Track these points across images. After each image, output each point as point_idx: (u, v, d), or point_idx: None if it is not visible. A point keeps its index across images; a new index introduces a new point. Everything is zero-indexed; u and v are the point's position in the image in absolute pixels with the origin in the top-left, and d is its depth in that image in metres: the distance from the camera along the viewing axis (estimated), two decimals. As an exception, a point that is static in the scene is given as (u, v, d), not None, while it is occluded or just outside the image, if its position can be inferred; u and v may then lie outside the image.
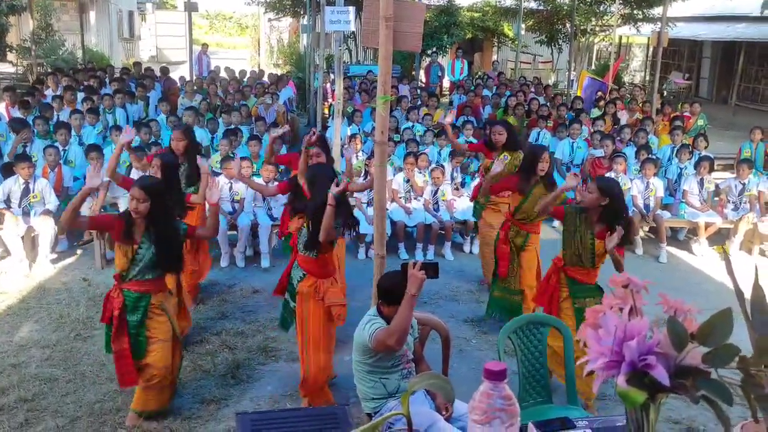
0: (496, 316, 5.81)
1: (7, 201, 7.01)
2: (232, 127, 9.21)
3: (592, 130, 9.75)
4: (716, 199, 8.37)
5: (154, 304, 4.16)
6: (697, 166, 8.26)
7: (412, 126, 10.20)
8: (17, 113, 9.57)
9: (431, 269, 3.33)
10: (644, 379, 1.08)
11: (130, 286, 4.12)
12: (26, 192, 7.03)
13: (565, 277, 4.69)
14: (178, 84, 13.97)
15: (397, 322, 3.35)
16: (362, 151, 8.83)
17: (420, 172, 7.94)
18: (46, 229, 6.93)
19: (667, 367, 1.07)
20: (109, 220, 4.34)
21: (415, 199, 7.82)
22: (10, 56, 18.60)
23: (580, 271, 4.63)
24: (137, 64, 16.61)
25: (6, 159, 8.10)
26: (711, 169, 8.27)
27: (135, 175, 7.16)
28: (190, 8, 14.63)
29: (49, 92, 11.64)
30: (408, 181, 7.81)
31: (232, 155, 8.08)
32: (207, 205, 4.68)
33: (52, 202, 7.14)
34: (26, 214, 7.00)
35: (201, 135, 8.93)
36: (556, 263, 4.77)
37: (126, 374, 4.14)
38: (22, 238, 6.93)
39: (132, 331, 4.11)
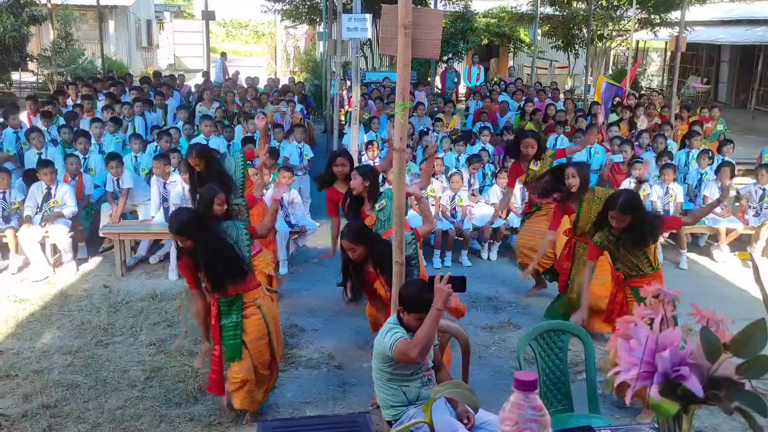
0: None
1: (33, 208, 7.12)
2: (249, 135, 9.26)
3: (609, 136, 9.69)
4: (737, 204, 8.28)
5: (246, 303, 4.26)
6: (718, 171, 8.17)
7: (428, 131, 10.20)
8: (38, 122, 9.70)
9: (458, 283, 3.31)
10: (677, 390, 1.07)
11: (219, 294, 4.20)
12: (48, 197, 7.13)
13: (630, 290, 4.61)
14: (193, 90, 14.14)
15: (422, 335, 3.32)
16: (379, 157, 8.84)
17: (437, 178, 7.94)
18: (61, 235, 7.01)
19: (700, 378, 1.06)
20: (189, 266, 4.22)
21: (432, 206, 7.81)
22: (31, 65, 18.88)
23: (643, 280, 4.52)
24: (157, 73, 16.77)
25: (27, 167, 8.21)
26: (732, 175, 8.18)
27: (155, 181, 7.23)
28: (208, 17, 14.78)
29: (70, 101, 11.78)
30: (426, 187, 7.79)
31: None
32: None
33: (71, 207, 7.20)
34: (45, 218, 7.09)
35: (217, 143, 8.99)
36: (617, 280, 4.70)
37: (213, 381, 4.32)
38: (42, 245, 7.02)
39: (230, 332, 4.22)
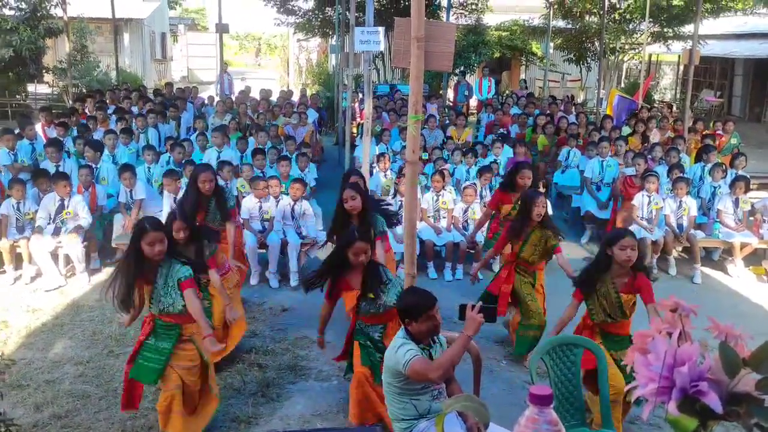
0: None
1: (46, 219, 7.16)
2: (261, 146, 9.30)
3: (618, 150, 9.64)
4: (752, 218, 8.21)
5: (183, 335, 4.12)
6: (732, 185, 8.11)
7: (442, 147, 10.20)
8: (53, 133, 9.79)
9: (489, 313, 3.37)
10: (695, 406, 1.05)
11: (161, 317, 4.07)
12: (61, 208, 7.18)
13: (600, 332, 4.35)
14: (206, 102, 14.28)
15: (446, 358, 3.33)
16: (390, 169, 8.85)
17: (446, 189, 7.94)
18: (74, 246, 7.05)
19: (719, 394, 1.04)
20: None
21: (443, 218, 7.81)
22: (47, 77, 19.08)
23: (614, 326, 4.32)
24: (169, 84, 16.92)
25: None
26: (747, 189, 8.11)
27: (167, 196, 7.27)
28: (221, 30, 14.87)
29: (88, 112, 11.92)
30: (437, 200, 7.80)
31: (261, 174, 8.17)
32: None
33: (85, 218, 7.24)
34: (57, 229, 7.14)
35: (230, 155, 9.04)
36: (585, 322, 4.45)
37: (133, 398, 4.20)
38: (55, 255, 7.07)
39: (153, 354, 4.07)
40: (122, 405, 4.22)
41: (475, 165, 9.07)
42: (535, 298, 5.50)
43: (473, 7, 20.77)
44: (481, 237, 7.69)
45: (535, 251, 5.41)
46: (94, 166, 8.17)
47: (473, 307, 3.34)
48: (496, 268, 7.85)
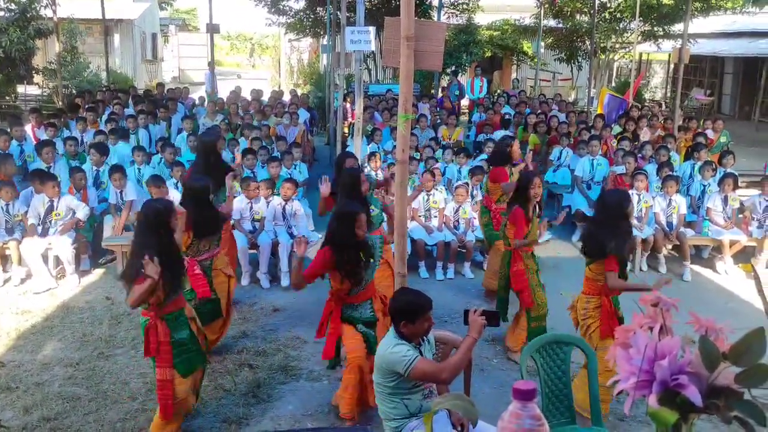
0: None
1: (35, 220, 7.13)
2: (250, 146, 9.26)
3: (613, 148, 9.68)
4: (741, 216, 8.25)
5: (188, 316, 4.26)
6: (721, 183, 8.16)
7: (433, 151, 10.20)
8: (42, 134, 9.74)
9: (492, 318, 3.50)
10: (676, 399, 1.06)
11: (166, 310, 4.09)
12: (50, 209, 7.14)
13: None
14: (197, 102, 14.23)
15: (455, 361, 3.42)
16: (381, 169, 8.84)
17: (437, 189, 7.95)
18: (64, 247, 7.02)
19: (699, 387, 1.05)
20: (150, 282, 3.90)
21: (434, 217, 7.81)
22: (37, 78, 18.98)
23: None
24: (160, 85, 16.87)
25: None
26: (735, 186, 8.15)
27: (156, 199, 7.25)
28: (212, 30, 14.86)
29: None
30: (428, 199, 7.80)
31: (251, 174, 8.14)
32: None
33: (82, 209, 7.23)
34: (46, 231, 7.10)
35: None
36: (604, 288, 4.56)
37: (170, 405, 4.10)
38: (44, 256, 7.03)
39: (183, 346, 4.14)
40: (163, 416, 4.15)
41: (468, 164, 9.08)
42: (539, 289, 5.58)
43: (464, 6, 20.81)
44: (472, 236, 7.70)
45: (537, 228, 5.57)
46: (97, 169, 8.16)
47: (475, 311, 3.45)
48: (485, 266, 7.88)
